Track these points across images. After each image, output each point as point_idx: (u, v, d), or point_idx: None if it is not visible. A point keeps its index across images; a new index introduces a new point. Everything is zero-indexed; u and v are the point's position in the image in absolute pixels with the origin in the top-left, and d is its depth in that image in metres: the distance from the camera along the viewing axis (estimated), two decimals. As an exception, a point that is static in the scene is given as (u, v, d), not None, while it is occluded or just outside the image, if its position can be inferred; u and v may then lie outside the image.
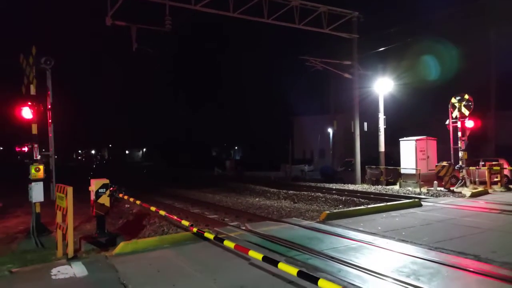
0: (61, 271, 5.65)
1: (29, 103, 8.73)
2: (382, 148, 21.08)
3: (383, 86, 21.47)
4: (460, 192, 14.43)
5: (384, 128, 21.21)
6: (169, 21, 15.57)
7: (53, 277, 5.45)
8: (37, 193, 8.41)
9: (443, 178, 15.72)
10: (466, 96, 16.19)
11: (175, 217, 8.50)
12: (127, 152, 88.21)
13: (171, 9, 15.87)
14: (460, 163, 16.14)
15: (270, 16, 18.08)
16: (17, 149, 60.60)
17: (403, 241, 7.13)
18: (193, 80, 71.62)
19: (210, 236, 6.40)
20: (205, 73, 75.27)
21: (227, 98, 61.70)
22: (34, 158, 8.84)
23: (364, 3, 23.00)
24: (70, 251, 6.36)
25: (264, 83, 58.32)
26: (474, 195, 13.49)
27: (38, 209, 8.57)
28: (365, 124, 23.11)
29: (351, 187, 19.55)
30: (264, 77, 59.94)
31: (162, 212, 8.21)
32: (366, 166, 21.00)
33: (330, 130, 38.65)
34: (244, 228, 8.56)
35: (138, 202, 8.87)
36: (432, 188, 15.78)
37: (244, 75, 62.19)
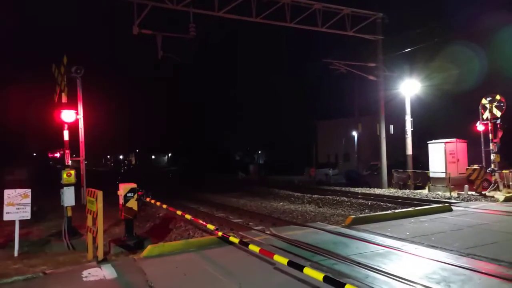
0: (92, 273, 5.83)
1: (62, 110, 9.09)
2: (409, 151, 20.57)
3: (409, 88, 20.97)
4: (493, 197, 13.89)
5: (412, 130, 20.70)
6: (193, 28, 15.87)
7: (84, 279, 5.63)
8: (68, 197, 8.69)
9: (475, 182, 15.18)
10: (498, 97, 15.61)
11: (201, 221, 8.61)
12: (153, 157, 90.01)
13: (195, 16, 16.19)
14: (492, 166, 15.54)
15: (292, 20, 18.08)
16: (50, 155, 63.02)
17: (432, 246, 6.93)
18: (217, 87, 72.57)
19: (235, 240, 6.44)
20: (228, 80, 76.13)
21: (251, 102, 62.13)
22: (66, 163, 9.17)
23: (389, 3, 22.61)
24: (100, 253, 6.54)
25: (288, 87, 58.30)
26: (508, 200, 12.93)
27: (69, 213, 8.86)
28: (391, 126, 22.61)
29: (377, 191, 19.17)
30: (288, 81, 59.90)
31: (187, 216, 8.34)
32: (393, 170, 20.53)
33: (354, 133, 38.07)
34: (268, 232, 8.54)
35: (164, 206, 9.06)
36: (463, 192, 15.24)
37: (268, 79, 62.41)
